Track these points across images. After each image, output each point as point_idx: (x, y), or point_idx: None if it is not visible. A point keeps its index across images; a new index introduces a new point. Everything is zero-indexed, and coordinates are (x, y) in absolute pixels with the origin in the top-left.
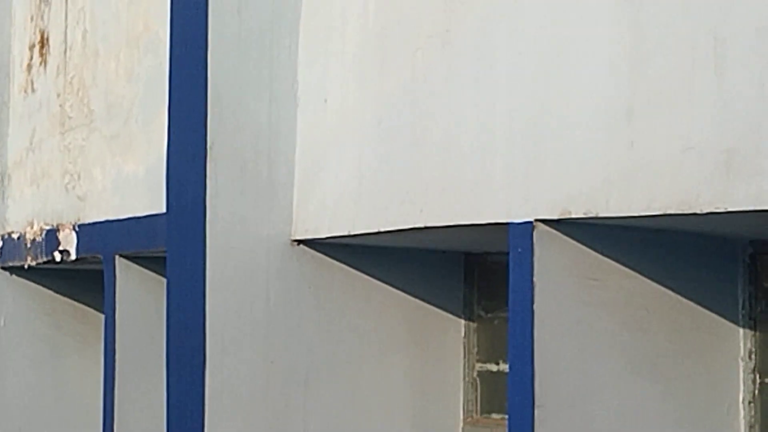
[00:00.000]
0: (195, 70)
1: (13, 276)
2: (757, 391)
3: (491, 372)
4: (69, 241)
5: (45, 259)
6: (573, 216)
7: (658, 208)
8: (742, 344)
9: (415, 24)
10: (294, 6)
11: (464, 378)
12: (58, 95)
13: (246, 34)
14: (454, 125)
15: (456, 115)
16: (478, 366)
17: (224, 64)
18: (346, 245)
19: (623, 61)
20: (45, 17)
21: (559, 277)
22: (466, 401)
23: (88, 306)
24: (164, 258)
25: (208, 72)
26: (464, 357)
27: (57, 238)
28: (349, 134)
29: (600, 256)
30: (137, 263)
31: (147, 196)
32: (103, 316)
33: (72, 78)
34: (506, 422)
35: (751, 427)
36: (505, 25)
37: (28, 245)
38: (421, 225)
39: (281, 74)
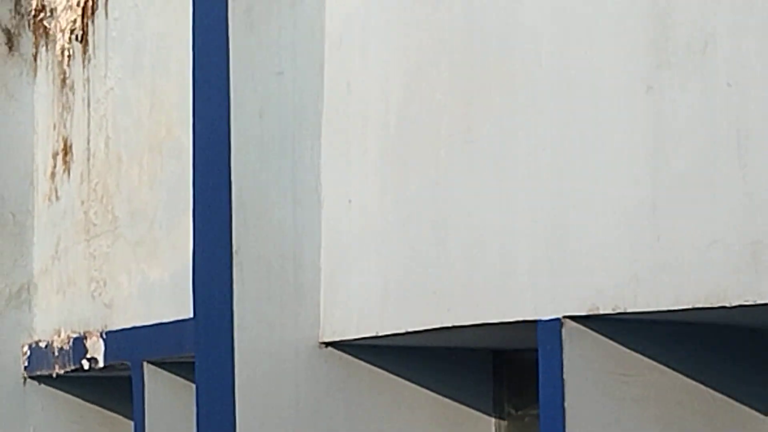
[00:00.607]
0: (218, 174)
1: (41, 385)
2: None
3: None
4: (96, 349)
5: (73, 367)
6: (601, 312)
7: (686, 302)
8: None
9: (436, 123)
10: (315, 108)
11: None
12: (83, 202)
13: (269, 137)
14: (477, 223)
15: (480, 213)
16: None
17: (247, 167)
18: (374, 346)
19: (645, 155)
20: (68, 125)
21: (590, 374)
22: None
23: (117, 413)
24: (192, 363)
25: (232, 176)
26: None
27: (84, 346)
28: (374, 234)
29: (630, 352)
30: (165, 369)
31: (173, 302)
32: (132, 423)
33: (96, 185)
34: None
35: None
36: (526, 122)
37: (56, 354)
38: (449, 324)
39: (304, 176)
